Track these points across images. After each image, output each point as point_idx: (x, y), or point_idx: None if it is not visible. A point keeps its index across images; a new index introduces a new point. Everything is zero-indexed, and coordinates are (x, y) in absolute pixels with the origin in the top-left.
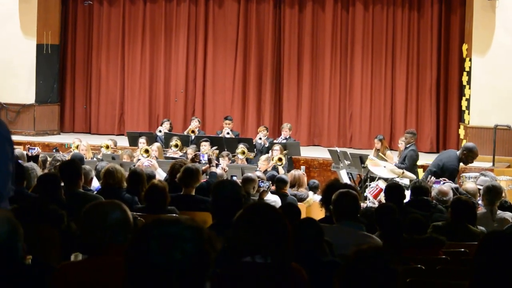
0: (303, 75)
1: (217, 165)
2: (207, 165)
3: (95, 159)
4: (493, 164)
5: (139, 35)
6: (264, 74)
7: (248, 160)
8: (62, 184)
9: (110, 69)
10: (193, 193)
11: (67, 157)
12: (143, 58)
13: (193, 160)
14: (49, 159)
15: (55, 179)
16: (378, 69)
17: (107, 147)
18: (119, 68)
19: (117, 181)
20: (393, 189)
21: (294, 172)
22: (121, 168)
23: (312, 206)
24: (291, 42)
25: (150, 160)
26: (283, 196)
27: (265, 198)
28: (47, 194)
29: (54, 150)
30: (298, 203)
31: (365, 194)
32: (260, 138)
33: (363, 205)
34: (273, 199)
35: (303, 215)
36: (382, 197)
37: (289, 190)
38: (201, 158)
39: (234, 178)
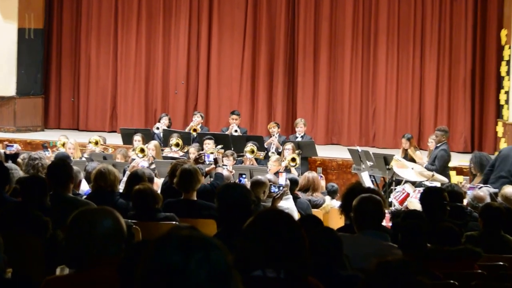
0: (319, 66)
1: (224, 166)
2: (212, 166)
3: (84, 159)
4: None
5: (134, 18)
6: (275, 64)
7: (257, 160)
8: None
9: (101, 57)
10: (195, 198)
11: (48, 155)
12: (139, 44)
13: (196, 160)
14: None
15: (42, 183)
16: (405, 58)
17: (96, 143)
18: (111, 56)
19: (110, 184)
20: (432, 194)
21: (308, 174)
22: (115, 169)
23: (330, 213)
24: (306, 28)
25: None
26: (293, 198)
27: (278, 205)
28: (33, 200)
29: (43, 148)
30: (313, 210)
31: (390, 200)
32: (272, 136)
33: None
34: (287, 206)
35: None
36: (409, 202)
37: (302, 195)
38: (206, 159)
39: (243, 179)
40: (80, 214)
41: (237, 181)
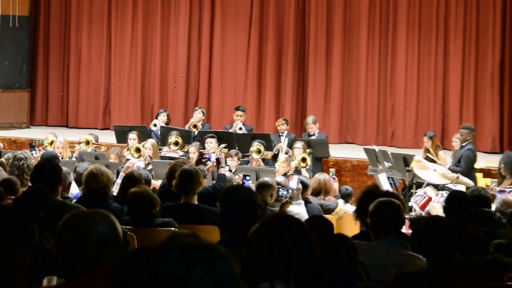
0: (332, 57)
1: (227, 167)
2: (210, 165)
3: (74, 159)
4: None
5: (130, 4)
6: (284, 55)
7: (264, 161)
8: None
9: (93, 47)
10: (196, 202)
11: (35, 155)
12: (134, 33)
13: (199, 161)
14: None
15: (41, 193)
16: (427, 49)
17: (88, 142)
18: (104, 46)
19: (102, 186)
20: (457, 199)
21: (319, 176)
22: (108, 170)
23: (344, 218)
24: (318, 15)
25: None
26: (305, 203)
27: (287, 210)
28: (27, 211)
29: (30, 148)
30: (325, 215)
31: (410, 204)
32: (281, 135)
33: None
34: (297, 211)
35: None
36: (431, 207)
37: (313, 199)
38: (209, 158)
39: (247, 181)
40: (72, 217)
41: (240, 183)
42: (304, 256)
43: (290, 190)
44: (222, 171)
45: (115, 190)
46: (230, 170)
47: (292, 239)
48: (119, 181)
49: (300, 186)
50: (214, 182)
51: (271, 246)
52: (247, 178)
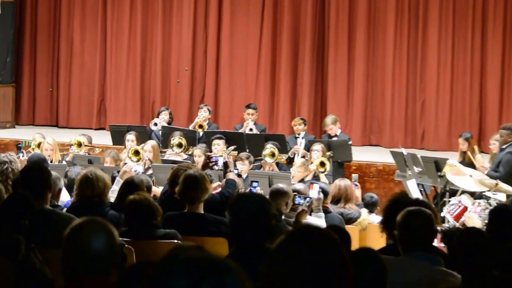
0: (355, 50)
1: (235, 170)
2: (218, 169)
3: (64, 162)
4: None
5: None
6: (301, 47)
7: (279, 165)
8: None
9: (86, 38)
10: (201, 211)
11: (22, 158)
12: (133, 21)
13: (206, 165)
14: None
15: (24, 200)
16: (462, 41)
17: (80, 144)
18: (99, 36)
19: (98, 193)
20: (503, 213)
21: (339, 181)
22: (104, 174)
23: (368, 230)
24: (339, 2)
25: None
26: (324, 212)
27: (304, 221)
28: (10, 220)
29: (17, 150)
30: (347, 225)
31: (443, 214)
32: (297, 136)
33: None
34: (314, 222)
35: (353, 242)
36: (467, 218)
37: (333, 207)
38: (216, 162)
39: (254, 188)
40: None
41: (247, 190)
42: (334, 275)
43: (307, 198)
44: (230, 176)
45: (111, 197)
46: (239, 175)
47: (321, 256)
48: (115, 187)
49: (321, 196)
50: (223, 187)
51: (297, 263)
52: (254, 184)
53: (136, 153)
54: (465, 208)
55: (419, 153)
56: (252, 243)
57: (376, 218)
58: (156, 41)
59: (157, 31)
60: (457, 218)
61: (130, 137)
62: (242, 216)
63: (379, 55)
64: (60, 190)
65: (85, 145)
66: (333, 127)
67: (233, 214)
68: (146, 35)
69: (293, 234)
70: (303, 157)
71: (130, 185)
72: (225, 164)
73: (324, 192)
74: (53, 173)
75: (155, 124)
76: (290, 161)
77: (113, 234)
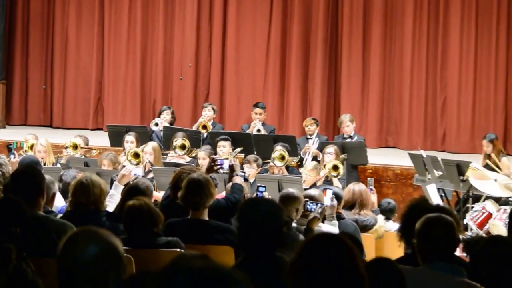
0: (371, 44)
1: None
2: (224, 172)
3: (58, 165)
4: None
5: None
6: (313, 41)
7: (289, 168)
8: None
9: (82, 32)
10: (206, 217)
11: (14, 160)
12: (132, 14)
13: (210, 168)
14: None
15: (16, 205)
16: (486, 35)
17: (75, 146)
18: (95, 29)
19: (93, 200)
20: None
21: (353, 186)
22: (100, 180)
23: (385, 238)
24: None
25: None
26: (336, 218)
27: (316, 228)
28: (1, 229)
29: (8, 151)
30: (362, 233)
31: (465, 222)
32: (309, 137)
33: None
34: (327, 230)
35: (369, 251)
36: (491, 225)
37: (346, 213)
38: (221, 166)
39: (261, 193)
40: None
41: (254, 195)
42: (350, 285)
43: (319, 204)
44: (237, 180)
45: (108, 203)
46: (246, 179)
47: (338, 265)
48: (113, 192)
49: (335, 202)
50: (229, 192)
51: (314, 272)
52: (261, 189)
53: (136, 155)
54: (490, 215)
55: (440, 155)
56: (262, 252)
57: (393, 226)
58: (157, 34)
59: (159, 24)
60: (481, 225)
61: (129, 138)
62: (251, 223)
63: (396, 50)
64: (54, 195)
65: (81, 147)
66: (349, 125)
67: (241, 221)
68: (147, 28)
69: (310, 242)
70: (315, 157)
71: (135, 192)
72: (231, 167)
73: (338, 197)
74: (47, 176)
75: (156, 125)
76: (301, 164)
77: (109, 243)
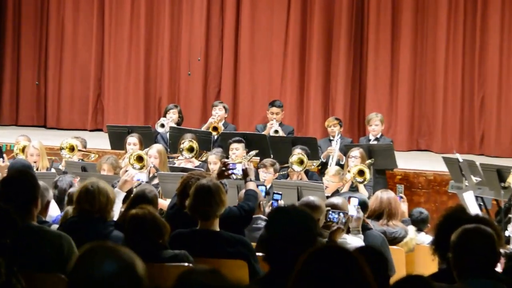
0: (401, 36)
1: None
2: (237, 178)
3: (53, 170)
4: None
5: None
6: (335, 33)
7: (308, 174)
8: None
9: (79, 22)
10: (217, 228)
11: (2, 164)
12: (136, 4)
13: (221, 173)
14: None
15: (6, 214)
16: None
17: (72, 149)
18: (95, 20)
19: (99, 208)
20: None
21: (381, 193)
22: (108, 187)
23: (416, 251)
24: None
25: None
26: (362, 229)
27: (339, 240)
28: None
29: None
30: (391, 246)
31: (507, 234)
32: (332, 139)
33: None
34: (351, 242)
35: (399, 267)
36: None
37: (373, 224)
38: (233, 170)
39: (276, 202)
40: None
41: (269, 203)
42: None
43: (342, 215)
44: (250, 186)
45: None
46: (263, 185)
47: (343, 278)
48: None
49: (360, 214)
50: (243, 199)
51: (319, 283)
52: (276, 196)
53: (139, 159)
54: None
55: (478, 159)
56: (291, 265)
57: (426, 238)
58: (163, 25)
59: (164, 13)
60: None
61: (132, 140)
62: (282, 234)
63: (429, 42)
64: (48, 203)
65: (79, 150)
66: (379, 124)
67: (271, 231)
68: (151, 18)
69: (313, 254)
70: (339, 161)
71: (141, 200)
72: (245, 172)
73: (363, 206)
74: (41, 183)
75: (162, 126)
76: (323, 168)
77: (128, 260)
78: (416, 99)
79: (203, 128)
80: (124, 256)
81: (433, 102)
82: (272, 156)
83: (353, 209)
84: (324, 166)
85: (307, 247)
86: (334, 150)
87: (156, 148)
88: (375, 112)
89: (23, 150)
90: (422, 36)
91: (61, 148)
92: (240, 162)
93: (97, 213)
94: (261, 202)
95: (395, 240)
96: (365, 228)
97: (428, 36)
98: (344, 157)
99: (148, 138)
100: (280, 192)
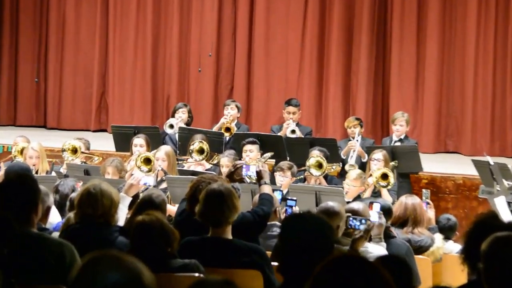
0: (427, 28)
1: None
2: (251, 182)
3: (53, 173)
4: None
5: None
6: (356, 27)
7: (327, 178)
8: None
9: (82, 15)
10: (229, 235)
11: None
12: None
13: (231, 176)
14: None
15: (4, 223)
16: None
17: (75, 151)
18: (98, 12)
19: (102, 213)
20: None
21: (406, 199)
22: (112, 189)
23: (444, 261)
24: None
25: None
26: (385, 237)
27: (361, 250)
28: None
29: None
30: (416, 255)
31: None
32: (352, 139)
33: None
34: (373, 251)
35: (425, 278)
36: None
37: (397, 232)
38: (245, 173)
39: (290, 208)
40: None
41: (283, 210)
42: None
43: (363, 221)
44: (265, 189)
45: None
46: (279, 190)
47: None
48: (119, 205)
49: (383, 220)
50: (257, 203)
51: None
52: (291, 203)
53: (147, 161)
54: None
55: (510, 162)
56: (306, 276)
57: (454, 247)
58: (172, 18)
59: (173, 5)
60: None
61: (139, 141)
62: (296, 243)
63: (457, 35)
64: (48, 209)
65: (82, 152)
66: (403, 124)
67: (284, 240)
68: (159, 10)
69: (330, 264)
70: (360, 159)
71: (148, 205)
72: (259, 174)
73: (387, 213)
74: (40, 187)
75: (171, 127)
76: (343, 170)
77: (134, 271)
78: (444, 96)
79: (214, 129)
80: (130, 266)
81: (462, 100)
82: (288, 158)
83: (375, 215)
84: (345, 165)
85: (323, 256)
86: (355, 146)
87: (164, 150)
88: (401, 111)
89: (21, 152)
90: (450, 27)
91: (63, 150)
92: (256, 164)
93: (101, 217)
94: (277, 208)
95: (420, 249)
96: (388, 236)
97: (457, 28)
98: (366, 155)
99: (155, 139)
100: (295, 198)
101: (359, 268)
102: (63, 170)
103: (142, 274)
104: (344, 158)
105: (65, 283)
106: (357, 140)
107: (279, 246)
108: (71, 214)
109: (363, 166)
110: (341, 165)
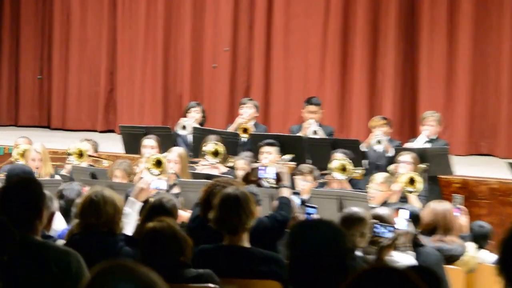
0: (459, 23)
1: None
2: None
3: (58, 177)
4: None
5: None
6: (382, 21)
7: (352, 181)
8: None
9: (88, 7)
10: (246, 243)
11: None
12: None
13: (246, 178)
14: None
15: (5, 230)
16: None
17: (81, 154)
18: (105, 7)
19: (105, 221)
20: None
21: (436, 205)
22: (115, 195)
23: (478, 272)
24: None
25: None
26: (414, 246)
27: (386, 258)
28: None
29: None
30: (446, 266)
31: None
32: (379, 142)
33: None
34: (400, 261)
35: None
36: None
37: (426, 240)
38: (262, 175)
39: (311, 214)
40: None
41: (303, 215)
42: None
43: (390, 229)
44: (284, 193)
45: (125, 223)
46: (297, 194)
47: None
48: (128, 210)
49: (411, 228)
50: (276, 208)
51: None
52: (310, 210)
53: (158, 163)
54: None
55: None
56: (319, 284)
57: (488, 256)
58: (184, 10)
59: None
60: None
61: (149, 142)
62: (305, 252)
63: (492, 30)
64: (52, 215)
65: (89, 155)
66: (434, 124)
67: (292, 249)
68: (171, 3)
69: (362, 276)
70: (386, 153)
71: (158, 211)
72: (278, 176)
73: (415, 220)
74: (46, 193)
75: (184, 128)
76: (368, 174)
77: (147, 281)
78: (477, 96)
79: (230, 129)
80: (143, 276)
81: (496, 98)
82: (309, 161)
83: (402, 222)
84: (369, 171)
85: (336, 266)
86: (379, 139)
87: (177, 151)
88: (431, 110)
89: (23, 154)
90: (484, 20)
91: (68, 154)
92: (274, 167)
93: (104, 226)
94: (296, 214)
95: (451, 258)
96: (416, 245)
97: (492, 21)
98: (391, 149)
99: (167, 140)
100: (316, 206)
101: (396, 282)
102: (64, 173)
103: (156, 285)
104: (364, 150)
105: None
106: (386, 140)
107: (288, 255)
108: (77, 221)
109: (391, 161)
110: (364, 168)
